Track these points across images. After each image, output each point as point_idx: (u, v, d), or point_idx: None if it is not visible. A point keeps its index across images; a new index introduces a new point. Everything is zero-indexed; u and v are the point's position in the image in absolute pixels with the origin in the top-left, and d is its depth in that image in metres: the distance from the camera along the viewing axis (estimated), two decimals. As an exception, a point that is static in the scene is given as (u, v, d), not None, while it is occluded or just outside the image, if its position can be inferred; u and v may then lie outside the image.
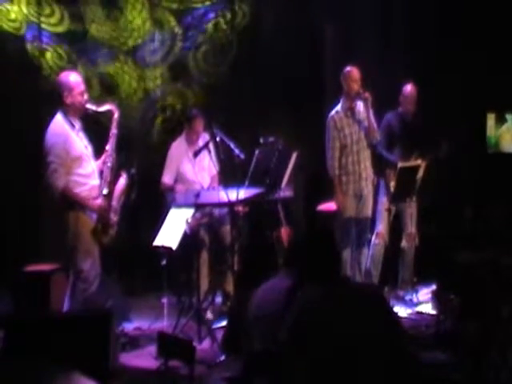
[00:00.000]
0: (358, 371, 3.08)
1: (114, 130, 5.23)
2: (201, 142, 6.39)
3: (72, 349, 4.12)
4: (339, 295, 3.26)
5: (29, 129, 6.41)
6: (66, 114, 5.07)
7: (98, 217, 5.11)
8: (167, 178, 6.51)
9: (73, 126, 5.10)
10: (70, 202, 5.03)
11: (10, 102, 6.59)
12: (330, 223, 6.41)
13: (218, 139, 6.07)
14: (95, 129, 5.41)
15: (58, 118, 5.08)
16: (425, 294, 6.53)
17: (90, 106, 5.16)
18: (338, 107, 6.34)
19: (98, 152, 5.30)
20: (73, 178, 5.04)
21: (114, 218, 5.18)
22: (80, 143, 5.13)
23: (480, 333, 4.53)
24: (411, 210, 6.62)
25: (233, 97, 7.30)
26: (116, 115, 5.23)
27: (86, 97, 5.14)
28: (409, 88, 6.63)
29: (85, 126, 5.25)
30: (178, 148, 6.56)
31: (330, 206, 6.56)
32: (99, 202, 5.12)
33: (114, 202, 5.19)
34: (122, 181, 5.27)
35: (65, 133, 5.04)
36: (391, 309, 3.39)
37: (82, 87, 5.13)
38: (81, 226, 5.05)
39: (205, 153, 6.18)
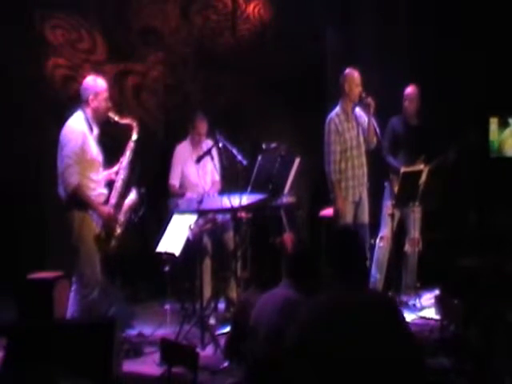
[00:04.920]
0: (366, 379, 3.08)
1: (131, 144, 5.28)
2: (204, 147, 6.41)
3: (75, 356, 4.12)
4: (351, 301, 3.25)
5: (32, 137, 6.44)
6: (86, 116, 5.08)
7: (104, 224, 5.12)
8: (174, 181, 6.55)
9: (91, 130, 5.11)
10: (79, 202, 5.02)
11: (14, 110, 6.61)
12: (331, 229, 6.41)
13: (220, 145, 6.10)
14: (105, 140, 5.39)
15: (79, 117, 5.07)
16: (428, 299, 6.52)
17: (112, 116, 5.18)
18: (338, 109, 6.26)
19: (107, 163, 5.32)
20: (84, 181, 5.04)
21: (118, 230, 5.20)
22: (95, 148, 5.14)
23: (484, 338, 4.52)
24: (415, 214, 6.62)
25: (235, 102, 7.31)
26: (135, 130, 5.27)
27: (109, 104, 5.17)
28: (411, 89, 6.63)
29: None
30: (183, 150, 6.60)
31: (330, 211, 6.55)
32: (109, 209, 5.14)
33: (121, 216, 5.22)
34: (132, 196, 5.29)
35: (84, 132, 5.05)
36: (404, 319, 3.36)
37: (107, 94, 5.16)
38: (85, 229, 5.06)
39: (208, 158, 6.20)
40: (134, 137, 5.28)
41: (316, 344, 3.14)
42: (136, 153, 6.26)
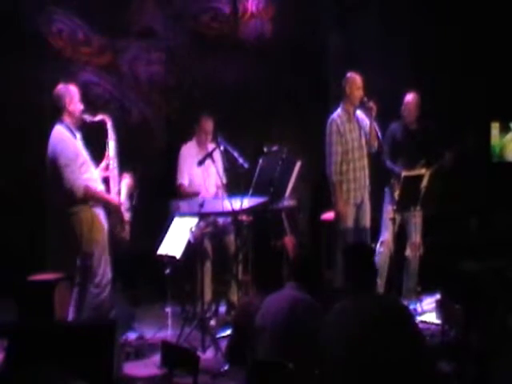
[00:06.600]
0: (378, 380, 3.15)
1: (111, 136, 5.42)
2: (209, 149, 6.36)
3: (76, 358, 4.12)
4: (366, 308, 3.35)
5: (32, 137, 6.44)
6: (66, 125, 5.23)
7: (115, 214, 5.30)
8: (183, 180, 6.54)
9: (74, 135, 5.26)
10: (89, 200, 5.17)
11: (14, 110, 6.61)
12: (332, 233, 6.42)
13: (221, 148, 6.09)
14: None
15: (60, 128, 5.23)
16: (429, 303, 6.51)
17: (86, 116, 5.34)
18: (339, 111, 6.27)
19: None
20: (83, 183, 5.18)
21: (126, 215, 5.38)
22: (83, 150, 5.30)
23: (485, 343, 4.51)
24: (416, 219, 6.61)
25: (237, 105, 7.31)
26: (109, 124, 5.42)
27: (82, 106, 5.33)
28: (410, 96, 6.62)
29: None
30: (188, 150, 6.59)
31: (331, 215, 6.55)
32: (118, 198, 5.34)
33: (125, 201, 5.39)
34: (127, 180, 5.45)
35: (71, 138, 5.21)
36: (416, 324, 3.48)
37: (79, 96, 5.32)
38: (95, 231, 5.20)
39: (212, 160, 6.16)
40: (110, 130, 5.41)
41: (332, 348, 3.23)
42: (136, 155, 6.34)
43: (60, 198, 5.21)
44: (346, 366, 3.24)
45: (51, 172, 5.19)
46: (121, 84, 7.18)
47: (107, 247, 5.26)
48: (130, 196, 5.46)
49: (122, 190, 5.38)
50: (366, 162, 6.31)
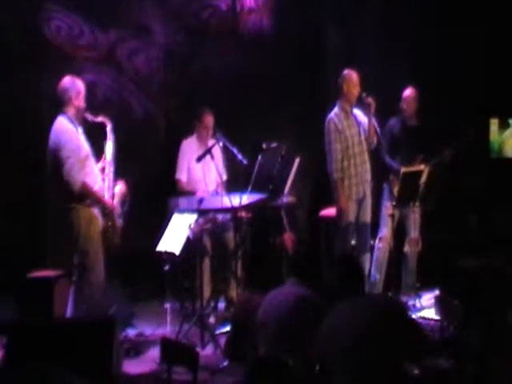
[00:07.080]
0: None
1: (109, 139, 5.42)
2: (210, 145, 6.35)
3: (75, 355, 4.12)
4: (362, 309, 3.39)
5: (32, 136, 6.43)
6: (69, 117, 5.22)
7: (109, 218, 5.28)
8: (181, 175, 6.53)
9: (76, 128, 5.25)
10: (85, 198, 5.16)
11: (15, 115, 6.62)
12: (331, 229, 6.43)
13: (220, 144, 6.09)
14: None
15: (63, 120, 5.21)
16: (428, 299, 6.52)
17: (88, 115, 5.34)
18: (336, 109, 6.29)
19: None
20: (85, 178, 5.18)
21: (118, 221, 5.34)
22: (86, 144, 5.30)
23: (484, 339, 4.52)
24: (415, 215, 6.62)
25: (236, 102, 7.30)
26: (109, 127, 5.42)
27: (85, 104, 5.33)
28: (409, 91, 6.63)
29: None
30: (189, 145, 6.58)
31: (330, 211, 6.55)
32: (112, 202, 5.31)
33: (118, 207, 5.37)
34: (121, 186, 5.43)
35: (74, 131, 5.21)
36: (412, 320, 3.58)
37: (84, 93, 5.32)
38: (92, 229, 5.21)
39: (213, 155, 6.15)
40: (109, 133, 5.42)
41: (332, 352, 3.28)
42: (136, 151, 6.32)
43: (58, 193, 5.20)
44: (346, 368, 3.25)
45: (51, 164, 5.18)
46: (120, 81, 7.17)
47: (102, 247, 5.24)
48: (123, 203, 5.44)
49: (116, 195, 5.37)
50: (366, 156, 6.33)
